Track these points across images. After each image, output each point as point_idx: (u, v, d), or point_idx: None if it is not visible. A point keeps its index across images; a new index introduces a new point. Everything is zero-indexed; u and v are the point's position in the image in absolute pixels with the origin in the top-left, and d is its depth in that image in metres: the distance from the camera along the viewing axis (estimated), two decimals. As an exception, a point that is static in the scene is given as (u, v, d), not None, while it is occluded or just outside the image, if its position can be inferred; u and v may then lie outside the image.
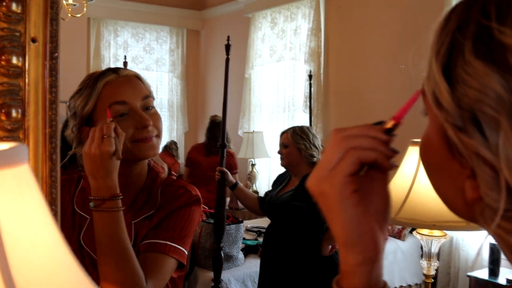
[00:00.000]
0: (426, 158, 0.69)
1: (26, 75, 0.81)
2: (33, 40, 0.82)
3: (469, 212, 0.63)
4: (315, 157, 3.39)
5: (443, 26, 0.62)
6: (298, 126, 3.55)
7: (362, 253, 0.69)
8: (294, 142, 3.41)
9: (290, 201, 3.28)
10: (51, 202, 0.83)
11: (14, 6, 0.79)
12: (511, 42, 0.54)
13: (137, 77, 1.54)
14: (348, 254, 0.70)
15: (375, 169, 0.72)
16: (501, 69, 0.54)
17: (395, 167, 0.71)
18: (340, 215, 0.68)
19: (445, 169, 0.64)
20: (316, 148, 3.43)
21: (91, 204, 1.35)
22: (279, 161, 3.60)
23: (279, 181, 3.68)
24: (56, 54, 0.83)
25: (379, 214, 0.71)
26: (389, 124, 0.70)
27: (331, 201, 0.68)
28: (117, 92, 1.47)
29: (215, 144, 6.01)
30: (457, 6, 0.62)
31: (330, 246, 3.22)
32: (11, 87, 0.80)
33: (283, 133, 3.56)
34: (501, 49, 0.54)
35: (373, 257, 0.70)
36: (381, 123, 0.70)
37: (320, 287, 3.19)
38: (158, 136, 1.51)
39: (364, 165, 0.69)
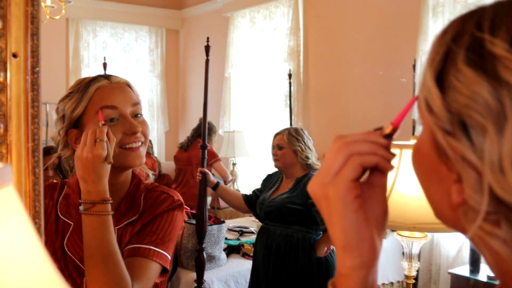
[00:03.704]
0: (417, 164, 0.71)
1: (8, 90, 0.82)
2: (14, 56, 0.82)
3: (453, 218, 0.66)
4: (310, 159, 3.40)
5: (440, 37, 0.65)
6: (293, 128, 3.56)
7: (360, 257, 0.71)
8: (290, 144, 3.42)
9: (285, 204, 3.30)
10: (34, 216, 0.84)
11: (-5, 22, 0.80)
12: (501, 53, 0.56)
13: (127, 85, 1.57)
14: (346, 258, 0.72)
15: (375, 176, 0.75)
16: (490, 77, 0.56)
17: (393, 168, 0.74)
18: (341, 219, 0.70)
19: (434, 174, 0.67)
20: (310, 150, 3.44)
21: (81, 207, 1.36)
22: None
23: (270, 181, 3.68)
24: (37, 69, 0.84)
25: (377, 221, 0.74)
26: (388, 130, 0.73)
27: (333, 205, 0.70)
28: (108, 97, 1.49)
29: (191, 139, 6.17)
30: (455, 20, 0.65)
31: (325, 248, 3.24)
32: (-7, 103, 0.80)
33: (277, 134, 3.56)
34: (491, 59, 0.57)
35: (370, 261, 0.72)
36: (380, 129, 0.74)
37: (315, 287, 3.21)
38: (144, 143, 1.53)
39: (366, 170, 0.72)
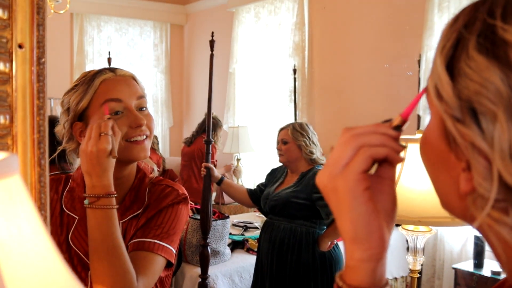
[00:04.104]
0: (425, 152, 0.71)
1: (14, 81, 0.81)
2: (20, 46, 0.82)
3: (461, 207, 0.65)
4: (314, 154, 3.39)
5: (451, 25, 0.65)
6: (297, 123, 3.55)
7: (369, 250, 0.71)
8: (294, 139, 3.41)
9: (290, 198, 3.29)
10: (40, 208, 0.84)
11: (0, 13, 0.79)
12: None
13: (133, 78, 1.57)
14: (354, 250, 0.72)
15: (384, 168, 0.75)
16: (502, 64, 0.56)
17: (403, 160, 0.74)
18: (351, 211, 0.70)
19: (442, 163, 0.66)
20: (315, 145, 3.43)
21: (86, 201, 1.36)
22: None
23: (274, 176, 3.68)
24: (43, 60, 0.83)
25: (386, 213, 0.74)
26: (397, 121, 0.72)
27: (343, 197, 0.70)
28: (113, 90, 1.49)
29: (196, 135, 6.17)
30: (466, 7, 0.65)
31: (329, 242, 3.24)
32: (-2, 94, 0.80)
33: (282, 129, 3.55)
34: (503, 45, 0.57)
35: (379, 254, 0.71)
36: (389, 121, 0.73)
37: (318, 282, 3.22)
38: (149, 137, 1.53)
39: (375, 162, 0.72)
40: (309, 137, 3.42)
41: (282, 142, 3.48)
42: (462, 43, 0.61)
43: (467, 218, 0.66)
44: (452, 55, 0.62)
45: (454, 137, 0.61)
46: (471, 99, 0.58)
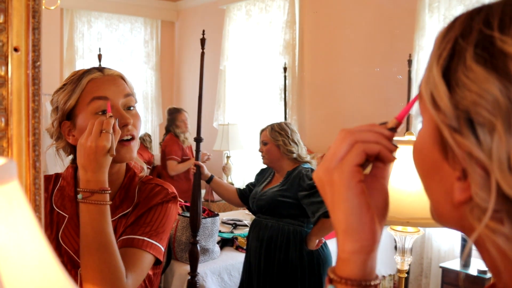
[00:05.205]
0: (418, 161, 0.73)
1: (9, 84, 0.82)
2: (16, 50, 0.83)
3: (455, 216, 0.66)
4: (294, 153, 3.40)
5: (445, 33, 0.66)
6: (277, 123, 3.56)
7: (360, 241, 0.73)
8: (273, 139, 3.44)
9: (276, 197, 3.31)
10: (35, 209, 0.84)
11: (-4, 16, 0.80)
12: None
13: (121, 77, 1.57)
14: (346, 241, 0.74)
15: (378, 168, 0.78)
16: (501, 75, 0.57)
17: (395, 159, 0.78)
18: (344, 202, 0.73)
19: (436, 171, 0.68)
20: (296, 143, 3.44)
21: (79, 195, 1.37)
22: (258, 156, 3.62)
23: (263, 175, 3.70)
24: (38, 63, 0.84)
25: (379, 209, 0.77)
26: (392, 123, 0.77)
27: (337, 189, 0.73)
28: (100, 88, 1.49)
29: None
30: (460, 16, 0.66)
31: (317, 241, 3.26)
32: (-6, 97, 0.81)
33: (262, 131, 3.59)
34: (502, 57, 0.57)
35: (370, 246, 0.74)
36: (384, 123, 0.77)
37: (306, 281, 3.23)
38: (135, 138, 1.53)
39: (369, 159, 0.76)
40: (288, 136, 3.43)
41: (263, 143, 3.52)
42: (459, 52, 0.61)
43: (462, 227, 0.67)
44: (449, 65, 0.63)
45: (451, 146, 0.62)
46: (468, 109, 0.59)
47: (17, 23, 0.83)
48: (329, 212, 0.76)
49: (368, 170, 0.79)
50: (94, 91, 1.48)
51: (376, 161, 0.78)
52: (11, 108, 0.82)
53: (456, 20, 0.66)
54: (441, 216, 0.71)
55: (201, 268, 3.75)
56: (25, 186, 0.84)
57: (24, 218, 0.55)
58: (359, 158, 0.73)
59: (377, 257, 0.76)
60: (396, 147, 0.76)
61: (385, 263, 4.75)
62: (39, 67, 0.85)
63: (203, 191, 6.13)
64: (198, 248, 3.64)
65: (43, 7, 4.43)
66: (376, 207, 0.76)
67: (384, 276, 4.83)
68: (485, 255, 0.66)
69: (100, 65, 5.64)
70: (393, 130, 0.76)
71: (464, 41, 0.61)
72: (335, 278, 0.75)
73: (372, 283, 0.74)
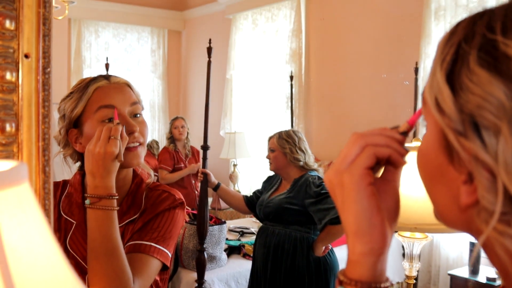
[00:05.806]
0: (423, 165, 0.73)
1: (20, 90, 0.83)
2: (26, 56, 0.84)
3: (462, 219, 0.67)
4: (300, 161, 3.41)
5: (448, 38, 0.66)
6: (285, 131, 3.57)
7: (370, 243, 0.73)
8: (280, 147, 3.45)
9: (283, 204, 3.32)
10: (44, 213, 0.85)
11: (7, 24, 0.81)
12: None
13: (127, 85, 1.58)
14: (356, 243, 0.74)
15: (389, 171, 0.79)
16: (505, 79, 0.57)
17: (406, 163, 0.78)
18: (355, 204, 0.73)
19: (441, 176, 0.68)
20: (303, 151, 3.45)
21: (87, 201, 1.38)
22: (265, 164, 3.63)
23: (270, 182, 3.71)
24: (48, 69, 0.85)
25: (389, 212, 0.77)
26: (404, 127, 0.77)
27: (348, 191, 0.74)
28: (106, 97, 1.50)
29: None
30: (462, 21, 0.66)
31: (323, 247, 3.26)
32: (5, 103, 0.82)
33: (270, 138, 3.60)
34: (506, 60, 0.58)
35: (380, 249, 0.74)
36: (396, 127, 0.78)
37: (313, 287, 3.23)
38: (142, 144, 1.54)
39: (380, 162, 0.76)
40: (295, 144, 3.44)
41: (270, 151, 3.53)
42: (462, 56, 0.62)
43: (469, 230, 0.68)
44: (452, 69, 0.63)
45: (456, 150, 0.62)
46: (473, 113, 0.59)
47: (28, 30, 0.85)
48: (339, 214, 0.76)
49: (380, 172, 0.79)
50: (100, 99, 1.49)
51: (387, 165, 0.78)
52: (21, 114, 0.83)
53: (459, 24, 0.66)
54: (448, 219, 0.71)
55: (208, 276, 3.75)
56: (35, 190, 0.85)
57: (35, 220, 0.56)
58: (370, 161, 0.73)
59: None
60: (407, 151, 0.76)
61: (393, 270, 4.73)
62: (49, 73, 0.86)
63: (210, 199, 6.12)
64: (205, 255, 3.63)
65: (51, 17, 4.47)
66: (386, 210, 0.76)
67: (392, 284, 4.80)
68: (494, 258, 0.66)
69: (107, 74, 5.66)
70: (405, 134, 0.77)
71: (467, 45, 0.62)
72: (345, 280, 0.75)
73: (382, 285, 0.74)
